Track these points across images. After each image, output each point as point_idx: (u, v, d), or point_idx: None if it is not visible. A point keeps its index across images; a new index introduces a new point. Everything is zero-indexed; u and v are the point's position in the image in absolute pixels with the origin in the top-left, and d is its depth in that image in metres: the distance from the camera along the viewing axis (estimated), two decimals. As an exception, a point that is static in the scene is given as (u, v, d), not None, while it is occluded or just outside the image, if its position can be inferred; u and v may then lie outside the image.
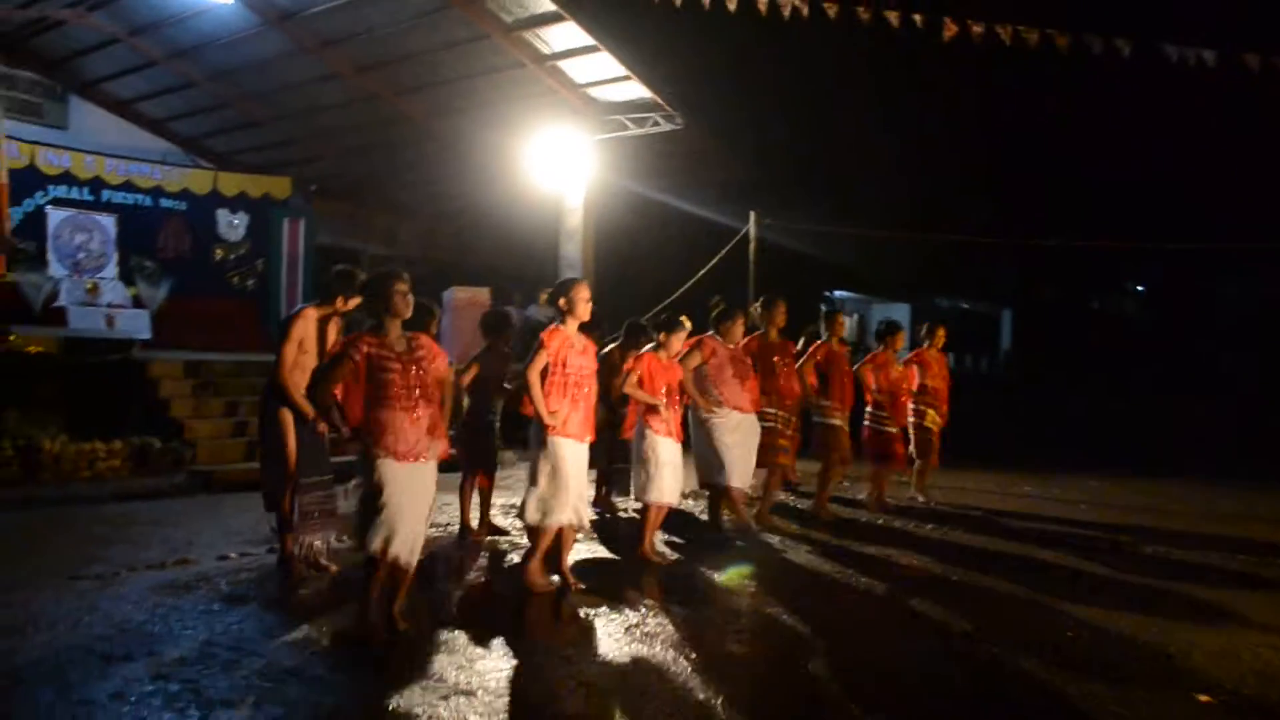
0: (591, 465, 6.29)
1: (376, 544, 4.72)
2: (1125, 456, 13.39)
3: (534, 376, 5.76)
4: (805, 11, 10.44)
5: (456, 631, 5.10)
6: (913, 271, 24.66)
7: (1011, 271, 27.95)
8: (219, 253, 15.16)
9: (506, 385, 7.41)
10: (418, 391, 4.89)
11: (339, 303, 5.99)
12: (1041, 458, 12.55)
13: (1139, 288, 33.34)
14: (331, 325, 6.06)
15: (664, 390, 6.82)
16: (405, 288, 5.00)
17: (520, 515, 6.00)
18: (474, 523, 7.37)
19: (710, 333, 7.61)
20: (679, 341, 7.07)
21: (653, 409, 6.79)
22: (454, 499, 7.49)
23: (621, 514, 8.26)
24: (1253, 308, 27.83)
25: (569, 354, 5.84)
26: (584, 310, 5.96)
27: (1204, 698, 4.37)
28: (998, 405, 18.74)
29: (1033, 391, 21.87)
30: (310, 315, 5.95)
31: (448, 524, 7.60)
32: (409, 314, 5.03)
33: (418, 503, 4.85)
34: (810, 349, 8.61)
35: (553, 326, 5.93)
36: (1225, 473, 11.95)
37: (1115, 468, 12.04)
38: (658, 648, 4.93)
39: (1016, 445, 13.61)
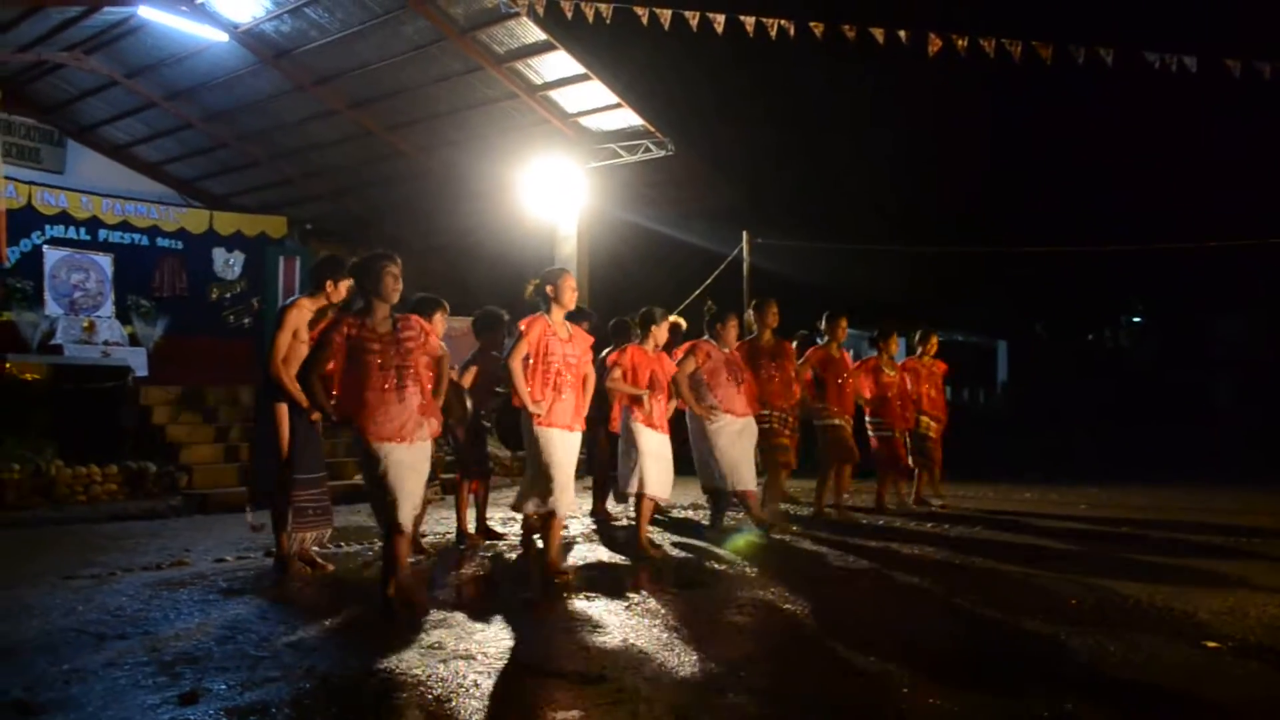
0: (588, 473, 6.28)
1: (395, 515, 4.82)
2: (1122, 470, 13.36)
3: (515, 365, 5.73)
4: (792, 32, 10.63)
5: (454, 611, 5.05)
6: (908, 303, 24.75)
7: (1006, 302, 28.05)
8: (215, 291, 15.21)
9: (499, 390, 7.35)
10: (403, 372, 4.91)
11: (329, 287, 5.95)
12: (1038, 472, 12.50)
13: (1135, 319, 33.44)
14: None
15: (649, 379, 6.81)
16: (396, 270, 5.06)
17: (514, 506, 6.02)
18: (470, 528, 7.31)
19: (705, 337, 7.62)
20: (664, 332, 7.07)
21: (636, 400, 6.78)
22: (451, 513, 7.46)
23: (616, 522, 8.18)
24: (1244, 342, 28.00)
25: (551, 341, 5.82)
26: (570, 299, 5.97)
27: (1211, 643, 4.32)
28: (996, 436, 18.73)
29: (1031, 423, 21.85)
30: (305, 305, 5.94)
31: (445, 533, 7.54)
32: (396, 299, 5.07)
33: (414, 477, 4.88)
34: (807, 354, 8.62)
35: (534, 315, 5.90)
36: (1222, 479, 11.90)
37: (1112, 478, 11.98)
38: (659, 620, 4.88)
39: (1014, 464, 13.56)
